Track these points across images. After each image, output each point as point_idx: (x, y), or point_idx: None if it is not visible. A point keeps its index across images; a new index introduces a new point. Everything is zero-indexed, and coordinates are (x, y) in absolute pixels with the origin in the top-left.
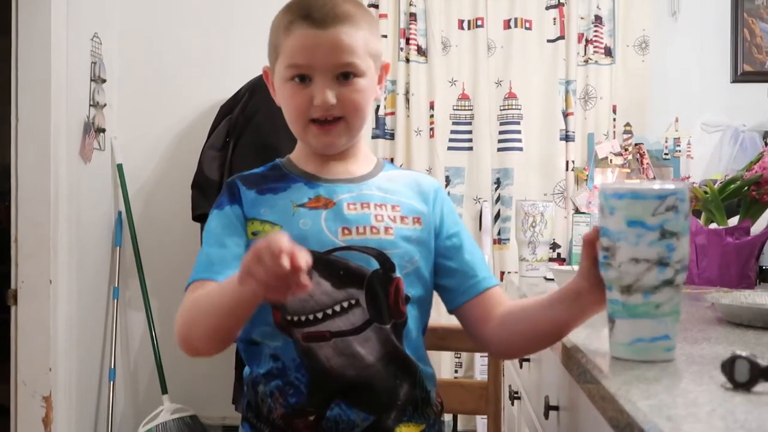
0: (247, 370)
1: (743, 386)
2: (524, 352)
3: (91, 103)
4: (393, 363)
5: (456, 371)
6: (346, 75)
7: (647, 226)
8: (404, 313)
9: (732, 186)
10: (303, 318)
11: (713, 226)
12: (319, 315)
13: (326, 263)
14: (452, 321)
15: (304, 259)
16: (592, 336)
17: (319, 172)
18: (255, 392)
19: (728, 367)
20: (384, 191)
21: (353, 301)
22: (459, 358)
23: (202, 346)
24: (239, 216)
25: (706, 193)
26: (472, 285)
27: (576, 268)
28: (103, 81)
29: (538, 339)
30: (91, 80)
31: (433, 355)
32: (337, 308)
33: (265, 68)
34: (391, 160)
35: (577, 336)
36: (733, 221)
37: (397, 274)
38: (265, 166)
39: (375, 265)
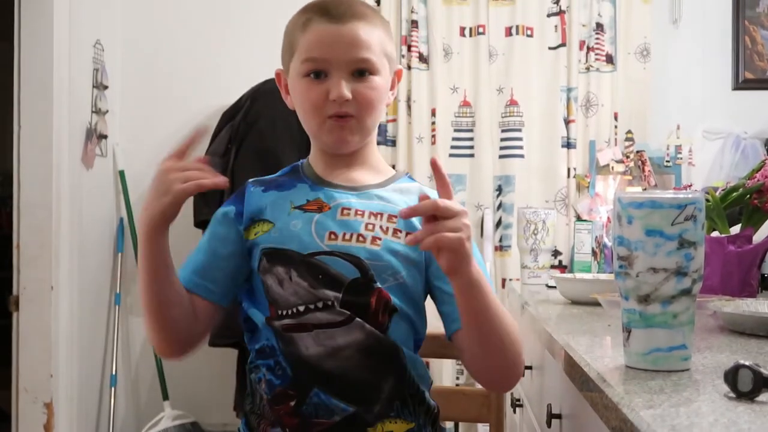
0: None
1: (746, 395)
2: (491, 368)
3: (93, 109)
4: (376, 356)
5: (457, 378)
6: (361, 72)
7: (666, 235)
8: (384, 323)
9: (734, 194)
10: (284, 312)
11: (715, 234)
12: (301, 308)
13: (307, 265)
14: None
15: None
16: (594, 344)
17: (327, 176)
18: (250, 381)
19: (731, 376)
20: (386, 201)
21: (329, 302)
22: (460, 365)
23: (159, 345)
24: (231, 219)
25: (707, 201)
26: None
27: (578, 276)
28: (105, 87)
29: (475, 340)
30: (93, 87)
31: (435, 363)
32: (312, 306)
33: (278, 70)
34: (393, 168)
35: (580, 344)
36: (735, 229)
37: (378, 285)
38: (289, 167)
39: (355, 273)
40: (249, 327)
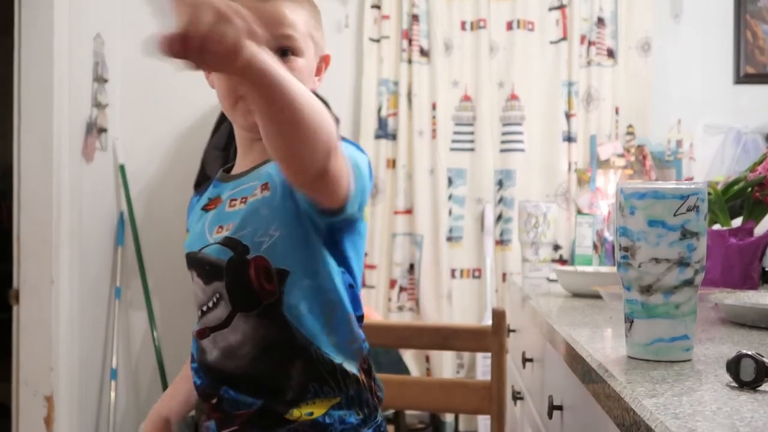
0: None
1: (749, 385)
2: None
3: (94, 103)
4: (272, 347)
5: (458, 372)
6: (284, 51)
7: (668, 226)
8: (275, 291)
9: (735, 187)
10: (197, 318)
11: (716, 227)
12: (199, 313)
13: (196, 261)
14: (454, 320)
15: None
16: (595, 335)
17: (235, 168)
18: None
19: (734, 366)
20: (267, 176)
21: (218, 296)
22: (461, 359)
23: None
24: None
25: (709, 194)
26: None
27: (579, 269)
28: (105, 81)
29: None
30: (94, 80)
31: (435, 355)
32: (210, 304)
33: None
34: (394, 162)
35: (581, 335)
36: (737, 222)
37: (254, 254)
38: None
39: (229, 253)
40: None
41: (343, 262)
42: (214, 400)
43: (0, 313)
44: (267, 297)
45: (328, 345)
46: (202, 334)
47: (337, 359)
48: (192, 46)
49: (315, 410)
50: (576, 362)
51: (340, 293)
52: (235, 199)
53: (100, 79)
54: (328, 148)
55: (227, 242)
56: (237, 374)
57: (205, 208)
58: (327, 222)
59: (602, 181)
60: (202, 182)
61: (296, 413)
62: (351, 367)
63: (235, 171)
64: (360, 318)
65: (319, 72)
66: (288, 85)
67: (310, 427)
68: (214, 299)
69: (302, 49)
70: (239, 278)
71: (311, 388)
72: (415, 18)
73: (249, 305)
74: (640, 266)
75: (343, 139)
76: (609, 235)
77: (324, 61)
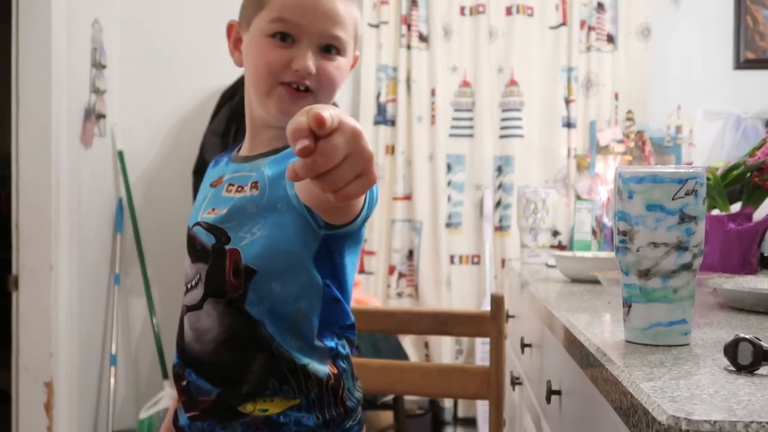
0: None
1: (746, 369)
2: None
3: (92, 89)
4: (236, 338)
5: (457, 358)
6: (329, 48)
7: (667, 210)
8: (239, 286)
9: (734, 172)
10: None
11: (715, 212)
12: (185, 289)
13: (189, 237)
14: (453, 306)
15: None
16: (594, 320)
17: (245, 149)
18: None
19: (731, 349)
20: (271, 170)
21: (198, 277)
22: (460, 345)
23: None
24: None
25: (708, 179)
26: None
27: (578, 254)
28: (104, 67)
29: None
30: (92, 66)
31: (434, 341)
32: (193, 283)
33: (232, 22)
34: (393, 148)
35: (579, 320)
36: (736, 207)
37: (232, 245)
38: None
39: (213, 239)
40: None
41: (333, 272)
42: (184, 382)
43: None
44: (231, 291)
45: (291, 346)
46: (183, 310)
47: (302, 360)
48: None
49: (271, 408)
50: (574, 347)
51: (310, 307)
52: (232, 185)
53: (98, 65)
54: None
55: (213, 229)
56: (201, 359)
57: (213, 185)
58: (329, 233)
59: (601, 167)
60: (200, 168)
61: (250, 407)
62: (317, 370)
63: (242, 152)
64: (348, 327)
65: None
66: None
67: (263, 424)
68: (196, 279)
69: (346, 49)
70: (217, 266)
71: (270, 385)
72: (414, 3)
73: (218, 293)
74: (638, 250)
75: None
76: (608, 221)
77: (355, 60)
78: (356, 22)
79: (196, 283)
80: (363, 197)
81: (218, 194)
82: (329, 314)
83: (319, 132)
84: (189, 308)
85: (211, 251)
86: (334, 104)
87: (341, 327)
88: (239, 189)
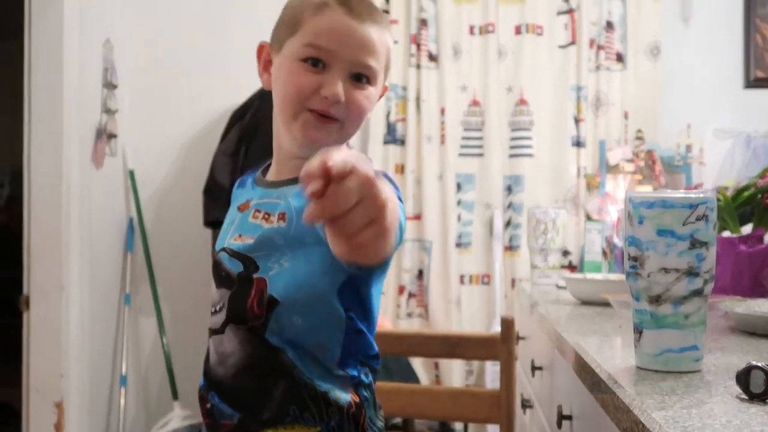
0: None
1: (759, 397)
2: None
3: (103, 109)
4: (257, 364)
5: (467, 378)
6: (359, 77)
7: (677, 235)
8: (261, 316)
9: (745, 194)
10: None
11: (726, 234)
12: (212, 310)
13: (215, 261)
14: (463, 326)
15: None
16: (604, 344)
17: (271, 174)
18: None
19: (743, 377)
20: (297, 201)
21: (222, 303)
22: (470, 366)
23: None
24: None
25: (718, 200)
26: None
27: (588, 276)
28: (115, 87)
29: None
30: (103, 86)
31: (444, 363)
32: (217, 307)
33: (264, 43)
34: (402, 167)
35: (590, 344)
36: (747, 229)
37: (260, 274)
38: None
39: (240, 267)
40: None
41: (359, 303)
42: (208, 405)
43: (10, 318)
44: (253, 319)
45: (312, 373)
46: (209, 333)
47: (323, 387)
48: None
49: None
50: (585, 372)
51: (332, 340)
52: (259, 211)
53: (109, 85)
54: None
55: (241, 257)
56: (224, 383)
57: (240, 208)
58: (357, 270)
59: (611, 186)
60: (211, 188)
61: None
62: (339, 398)
63: (269, 176)
64: (372, 357)
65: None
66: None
67: None
68: (220, 304)
69: (377, 79)
70: (242, 293)
71: (291, 411)
72: (423, 23)
73: (239, 320)
74: (649, 276)
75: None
76: (618, 241)
77: (384, 90)
78: (388, 51)
79: (220, 308)
80: (394, 237)
81: (245, 220)
82: (352, 345)
83: (328, 177)
84: (213, 331)
85: (236, 278)
86: (348, 145)
87: (365, 356)
88: (266, 217)
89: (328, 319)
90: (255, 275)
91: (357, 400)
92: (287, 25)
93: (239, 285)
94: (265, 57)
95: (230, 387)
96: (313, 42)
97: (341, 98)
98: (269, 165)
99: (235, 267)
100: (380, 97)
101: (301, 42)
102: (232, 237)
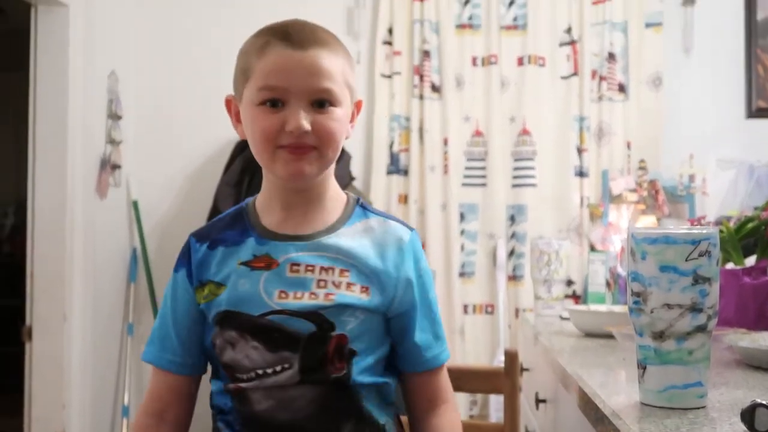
0: None
1: None
2: None
3: (107, 139)
4: (332, 403)
5: (471, 409)
6: (321, 103)
7: (680, 271)
8: (343, 368)
9: (749, 226)
10: (243, 377)
11: (730, 266)
12: (252, 375)
13: (260, 327)
14: (467, 356)
15: None
16: (608, 379)
17: (276, 224)
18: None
19: (748, 415)
20: (337, 252)
21: (286, 365)
22: (474, 396)
23: None
24: (184, 282)
25: (722, 232)
26: (411, 361)
27: (592, 308)
28: (119, 118)
29: None
30: (108, 117)
31: None
32: (276, 370)
33: (228, 97)
34: (405, 197)
35: (594, 378)
36: (750, 261)
37: (338, 331)
38: (232, 209)
39: (311, 327)
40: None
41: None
42: None
43: (12, 347)
44: (336, 372)
45: (374, 406)
46: (257, 388)
47: (381, 420)
48: None
49: None
50: (589, 408)
51: (395, 374)
52: (298, 265)
53: (114, 116)
54: None
55: (311, 316)
56: (290, 426)
57: (251, 265)
58: None
59: (615, 216)
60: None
61: None
62: (390, 428)
63: (282, 229)
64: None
65: (352, 119)
66: None
67: None
68: (280, 367)
69: (340, 99)
70: (317, 352)
71: None
72: (426, 54)
73: (320, 378)
74: (652, 312)
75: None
76: (622, 271)
77: (357, 106)
78: (344, 71)
79: (282, 371)
80: None
81: (282, 276)
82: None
83: None
84: (273, 389)
85: (305, 339)
86: (346, 153)
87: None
88: (308, 269)
89: (386, 354)
90: (333, 333)
91: (401, 429)
92: (241, 74)
93: (312, 346)
94: (234, 109)
95: (299, 429)
96: (265, 85)
97: (305, 128)
98: (238, 211)
99: (304, 328)
100: (357, 112)
101: (255, 87)
102: (271, 297)
